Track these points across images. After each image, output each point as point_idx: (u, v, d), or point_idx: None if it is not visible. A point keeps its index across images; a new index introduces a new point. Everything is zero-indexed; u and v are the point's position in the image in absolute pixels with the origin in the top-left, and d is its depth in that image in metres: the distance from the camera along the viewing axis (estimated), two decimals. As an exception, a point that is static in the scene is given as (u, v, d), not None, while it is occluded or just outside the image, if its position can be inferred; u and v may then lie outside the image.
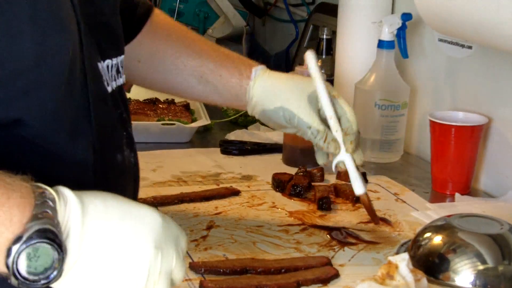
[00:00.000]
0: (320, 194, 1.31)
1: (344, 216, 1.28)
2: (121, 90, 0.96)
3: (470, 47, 1.49)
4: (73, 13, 0.81)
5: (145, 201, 1.29)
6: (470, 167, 1.41)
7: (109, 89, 0.91)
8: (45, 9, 0.76)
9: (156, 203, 1.29)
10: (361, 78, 1.60)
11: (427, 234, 1.04)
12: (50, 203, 0.67)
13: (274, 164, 1.54)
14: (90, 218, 0.69)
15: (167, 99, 1.84)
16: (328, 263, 1.09)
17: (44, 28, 0.76)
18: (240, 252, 1.12)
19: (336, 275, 1.05)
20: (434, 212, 1.28)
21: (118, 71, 0.95)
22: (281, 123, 1.15)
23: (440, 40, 1.56)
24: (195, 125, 1.69)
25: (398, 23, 1.56)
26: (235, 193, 1.36)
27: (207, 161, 1.55)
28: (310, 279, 1.03)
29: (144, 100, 1.83)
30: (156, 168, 1.49)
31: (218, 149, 1.61)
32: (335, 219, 1.26)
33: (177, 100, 1.83)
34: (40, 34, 0.76)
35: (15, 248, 0.65)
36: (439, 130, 1.40)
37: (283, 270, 1.06)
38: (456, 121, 1.40)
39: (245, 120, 1.83)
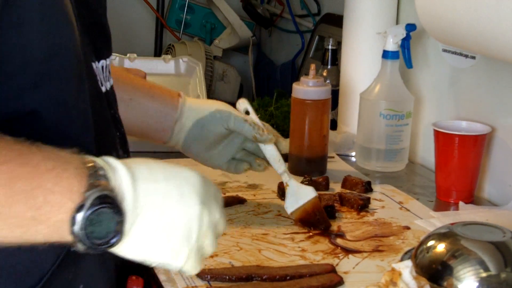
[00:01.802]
0: (325, 203, 1.32)
1: (349, 224, 1.29)
2: (113, 91, 0.98)
3: (473, 57, 1.50)
4: (71, 11, 0.82)
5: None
6: (473, 176, 1.42)
7: (103, 89, 0.92)
8: (53, 4, 0.78)
9: (163, 211, 1.30)
10: (366, 88, 1.62)
11: (431, 242, 1.04)
12: (102, 172, 0.72)
13: (280, 173, 1.55)
14: (139, 183, 0.73)
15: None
16: (332, 270, 1.10)
17: (52, 22, 0.78)
18: (245, 260, 1.14)
19: (341, 282, 1.07)
20: (437, 220, 1.29)
21: (109, 72, 0.96)
22: (216, 129, 1.26)
23: (444, 50, 1.58)
24: (201, 134, 1.69)
25: (402, 33, 1.57)
26: (241, 201, 1.38)
27: (214, 170, 1.55)
28: (314, 286, 1.04)
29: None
30: (163, 177, 1.50)
31: (224, 159, 1.62)
32: (340, 227, 1.27)
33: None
34: (49, 27, 0.77)
35: (79, 216, 0.69)
36: (443, 140, 1.41)
37: (288, 278, 1.07)
38: (460, 131, 1.41)
39: (251, 129, 1.84)
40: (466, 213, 1.34)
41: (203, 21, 2.64)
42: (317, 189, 1.42)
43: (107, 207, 0.70)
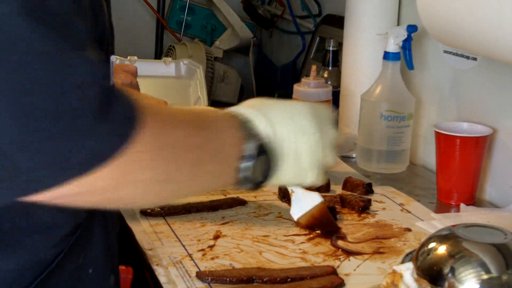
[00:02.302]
0: (326, 205, 1.32)
1: (350, 226, 1.29)
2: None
3: (475, 59, 1.50)
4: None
5: (152, 212, 1.30)
6: (475, 178, 1.42)
7: (111, 83, 0.93)
8: None
9: (163, 213, 1.30)
10: (367, 90, 1.61)
11: (432, 244, 1.04)
12: (248, 123, 0.86)
13: (281, 174, 1.55)
14: (276, 126, 0.88)
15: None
16: (333, 272, 1.10)
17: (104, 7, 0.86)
18: (246, 262, 1.13)
19: (342, 285, 1.06)
20: (439, 222, 1.29)
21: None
22: None
23: (445, 51, 1.58)
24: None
25: (403, 34, 1.57)
26: (242, 203, 1.38)
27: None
28: (315, 288, 1.04)
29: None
30: (164, 179, 1.50)
31: (225, 160, 1.62)
32: (341, 229, 1.27)
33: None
34: (108, 12, 0.87)
35: (246, 165, 0.84)
36: (444, 141, 1.41)
37: (288, 280, 1.07)
38: (461, 132, 1.41)
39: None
40: (467, 215, 1.34)
41: (204, 22, 2.64)
42: (318, 190, 1.42)
43: (263, 154, 0.85)
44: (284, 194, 1.40)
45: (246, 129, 0.85)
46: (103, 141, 0.69)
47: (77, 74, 0.67)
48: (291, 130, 0.89)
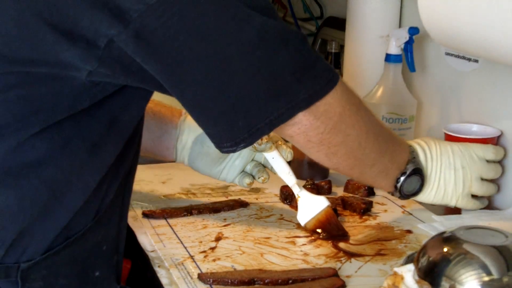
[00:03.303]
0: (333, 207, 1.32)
1: (351, 228, 1.29)
2: None
3: (476, 61, 1.50)
4: None
5: (154, 213, 1.31)
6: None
7: None
8: None
9: (165, 215, 1.31)
10: (368, 92, 1.62)
11: (433, 246, 1.04)
12: (414, 152, 1.21)
13: (282, 176, 1.55)
14: (430, 161, 1.24)
15: (176, 112, 1.86)
16: (335, 274, 1.10)
17: None
18: (248, 263, 1.14)
19: (343, 286, 1.07)
20: (440, 224, 1.29)
21: None
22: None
23: (447, 54, 1.58)
24: (204, 138, 1.70)
25: (405, 37, 1.57)
26: (244, 205, 1.38)
27: (216, 174, 1.56)
28: (317, 290, 1.05)
29: (154, 113, 1.85)
30: (166, 181, 1.51)
31: (227, 162, 1.62)
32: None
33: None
34: None
35: (401, 179, 1.18)
36: (453, 143, 1.41)
37: (290, 281, 1.07)
38: (470, 134, 1.41)
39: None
40: (468, 217, 1.34)
41: (206, 25, 2.64)
42: (319, 193, 1.42)
43: (417, 175, 1.20)
44: (286, 196, 1.41)
45: (411, 154, 1.18)
46: (321, 78, 0.94)
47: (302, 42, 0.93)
48: (441, 164, 1.24)
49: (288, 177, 1.31)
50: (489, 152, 1.29)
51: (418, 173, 1.20)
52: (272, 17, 0.90)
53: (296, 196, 1.29)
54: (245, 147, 0.93)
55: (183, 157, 1.35)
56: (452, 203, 1.27)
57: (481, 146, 1.29)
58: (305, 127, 0.97)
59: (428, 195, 1.25)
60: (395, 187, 1.18)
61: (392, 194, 1.21)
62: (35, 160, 0.91)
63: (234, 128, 0.91)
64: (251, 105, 0.91)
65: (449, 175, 1.25)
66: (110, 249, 1.05)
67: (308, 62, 0.93)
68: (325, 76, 0.95)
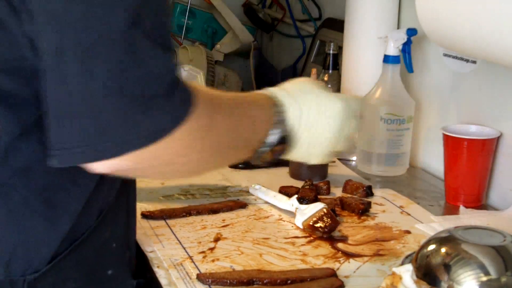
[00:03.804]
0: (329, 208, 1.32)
1: (350, 228, 1.29)
2: None
3: (474, 62, 1.50)
4: None
5: (153, 214, 1.31)
6: (482, 180, 1.42)
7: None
8: None
9: (164, 215, 1.31)
10: (367, 93, 1.62)
11: (431, 246, 1.05)
12: (281, 112, 0.99)
13: (281, 177, 1.56)
14: (303, 119, 1.01)
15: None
16: (333, 274, 1.10)
17: None
18: (246, 264, 1.14)
19: (341, 286, 1.07)
20: (438, 224, 1.30)
21: None
22: None
23: (445, 55, 1.58)
24: (203, 139, 1.70)
25: (403, 38, 1.58)
26: (242, 206, 1.38)
27: (215, 175, 1.57)
28: (315, 290, 1.05)
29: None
30: (164, 181, 1.51)
31: (226, 163, 1.63)
32: (341, 231, 1.28)
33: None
34: None
35: (265, 149, 0.97)
36: (451, 143, 1.42)
37: (289, 282, 1.07)
38: (469, 135, 1.42)
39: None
40: (467, 217, 1.35)
41: (205, 26, 2.65)
42: (318, 193, 1.43)
43: (284, 141, 0.99)
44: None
45: (276, 116, 0.98)
46: (167, 116, 0.82)
47: (157, 67, 0.81)
48: (316, 123, 1.02)
49: (276, 200, 1.37)
50: (359, 105, 1.15)
51: (286, 141, 1.01)
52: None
53: (294, 210, 1.31)
54: (56, 164, 0.82)
55: None
56: (312, 162, 1.07)
57: (356, 100, 1.13)
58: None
59: (293, 154, 1.04)
60: (255, 157, 1.00)
61: (254, 162, 1.03)
62: (23, 167, 0.88)
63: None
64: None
65: (324, 138, 1.04)
66: (121, 246, 1.03)
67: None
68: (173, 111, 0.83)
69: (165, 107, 0.82)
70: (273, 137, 0.98)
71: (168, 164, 0.87)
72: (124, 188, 1.03)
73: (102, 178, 0.95)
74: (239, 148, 0.96)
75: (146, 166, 0.85)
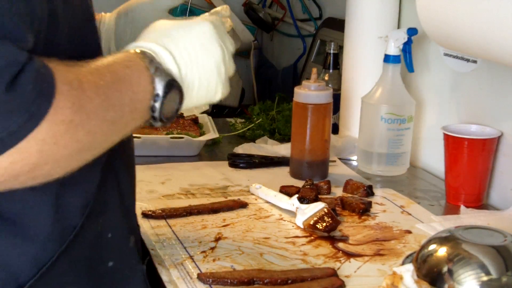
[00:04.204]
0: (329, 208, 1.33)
1: (351, 228, 1.29)
2: None
3: (475, 61, 1.50)
4: None
5: (154, 214, 1.31)
6: (482, 180, 1.43)
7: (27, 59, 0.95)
8: None
9: (165, 215, 1.31)
10: (367, 92, 1.62)
11: (432, 246, 1.05)
12: (154, 60, 0.87)
13: (281, 177, 1.56)
14: (178, 59, 0.90)
15: (175, 113, 1.86)
16: (334, 274, 1.10)
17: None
18: (247, 264, 1.14)
19: (342, 286, 1.07)
20: (439, 224, 1.30)
21: None
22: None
23: (445, 54, 1.58)
24: (203, 138, 1.71)
25: (404, 37, 1.58)
26: (243, 205, 1.38)
27: (215, 174, 1.57)
28: (316, 290, 1.05)
29: (153, 114, 1.86)
30: (165, 181, 1.51)
31: (226, 162, 1.63)
32: (341, 231, 1.28)
33: (185, 114, 1.85)
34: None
35: (157, 104, 0.86)
36: (452, 143, 1.42)
37: (289, 281, 1.07)
38: (469, 134, 1.42)
39: (253, 134, 1.85)
40: (467, 217, 1.35)
41: (205, 25, 2.65)
42: (319, 193, 1.43)
43: (174, 90, 0.88)
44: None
45: (151, 68, 0.86)
46: (14, 116, 0.70)
47: None
48: (194, 55, 0.93)
49: (277, 199, 1.37)
50: (226, 18, 1.08)
51: (173, 86, 0.89)
52: None
53: (295, 209, 1.31)
54: None
55: (109, 39, 1.23)
56: (218, 96, 0.99)
57: (219, 16, 1.06)
58: None
59: (190, 99, 0.94)
60: (153, 117, 0.88)
61: (152, 125, 0.91)
62: None
63: None
64: None
65: (209, 64, 0.96)
66: (119, 234, 0.97)
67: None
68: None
69: (10, 106, 0.69)
70: (159, 86, 0.86)
71: (34, 169, 0.74)
72: (110, 170, 0.95)
73: (71, 177, 0.83)
74: (124, 117, 0.83)
75: (8, 178, 0.73)
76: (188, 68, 0.92)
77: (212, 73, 0.95)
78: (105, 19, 1.24)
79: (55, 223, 0.87)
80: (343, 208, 1.38)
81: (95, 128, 0.78)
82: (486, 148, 1.41)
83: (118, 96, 0.82)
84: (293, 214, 1.32)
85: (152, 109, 0.86)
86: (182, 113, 1.86)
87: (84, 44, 0.91)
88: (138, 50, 0.88)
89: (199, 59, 0.93)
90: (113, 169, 0.97)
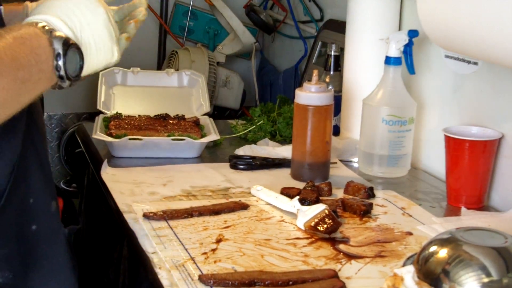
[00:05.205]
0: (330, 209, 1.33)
1: (352, 230, 1.29)
2: None
3: (476, 63, 1.50)
4: None
5: (155, 215, 1.31)
6: (483, 181, 1.43)
7: None
8: None
9: (166, 217, 1.31)
10: (368, 94, 1.62)
11: (433, 247, 1.05)
12: (48, 27, 0.95)
13: (283, 178, 1.56)
14: (70, 23, 0.99)
15: (177, 115, 1.87)
16: (335, 275, 1.10)
17: None
18: (248, 265, 1.14)
19: (343, 288, 1.07)
20: (440, 226, 1.30)
21: None
22: None
23: (447, 56, 1.58)
24: (204, 140, 1.71)
25: (405, 39, 1.58)
26: (244, 207, 1.38)
27: (217, 176, 1.57)
28: (317, 291, 1.05)
29: (155, 116, 1.86)
30: (166, 183, 1.51)
31: (227, 164, 1.63)
32: (342, 233, 1.28)
33: (187, 116, 1.86)
34: None
35: (60, 62, 0.94)
36: (453, 145, 1.42)
37: (290, 283, 1.07)
38: (470, 136, 1.42)
39: (254, 135, 1.85)
40: (468, 218, 1.35)
41: (206, 27, 2.65)
42: (320, 194, 1.43)
43: (70, 47, 0.96)
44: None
45: (47, 32, 0.95)
46: None
47: None
48: (83, 18, 1.01)
49: (278, 201, 1.37)
50: None
51: (71, 44, 0.97)
52: None
53: (296, 211, 1.31)
54: None
55: None
56: (115, 57, 1.06)
57: None
58: None
59: (90, 60, 1.02)
60: (60, 76, 0.96)
61: (61, 87, 0.99)
62: None
63: None
64: None
65: (98, 24, 1.03)
66: (40, 199, 1.04)
67: None
68: None
69: None
70: (57, 45, 0.94)
71: None
72: (31, 145, 1.03)
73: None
74: (33, 77, 0.91)
75: None
76: (82, 29, 1.00)
77: (103, 33, 1.03)
78: (27, 8, 1.26)
79: None
80: (344, 210, 1.38)
81: (8, 85, 0.87)
82: (487, 150, 1.41)
83: (24, 56, 0.90)
84: (294, 215, 1.32)
85: (57, 68, 0.94)
86: (183, 115, 1.86)
87: None
88: (34, 22, 0.96)
89: (88, 19, 1.01)
90: (32, 140, 1.04)
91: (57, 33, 0.95)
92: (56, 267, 1.07)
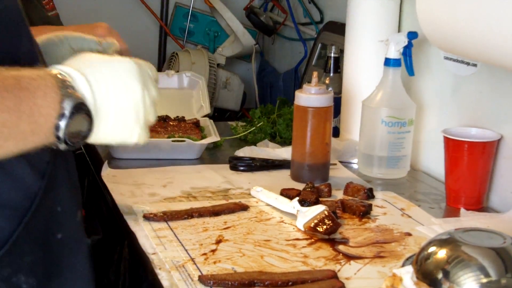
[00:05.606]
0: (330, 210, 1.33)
1: (351, 230, 1.30)
2: None
3: (475, 65, 1.51)
4: None
5: (155, 216, 1.32)
6: (482, 182, 1.43)
7: None
8: None
9: (166, 218, 1.31)
10: (368, 96, 1.63)
11: (432, 248, 1.05)
12: (66, 82, 0.87)
13: (282, 180, 1.56)
14: (94, 85, 0.90)
15: (177, 116, 1.87)
16: (334, 276, 1.11)
17: None
18: (248, 266, 1.14)
19: (342, 288, 1.07)
20: (439, 226, 1.30)
21: None
22: (65, 51, 1.26)
23: (446, 58, 1.59)
24: (205, 141, 1.71)
25: (404, 41, 1.58)
26: (244, 208, 1.39)
27: (217, 177, 1.57)
28: (316, 292, 1.05)
29: (155, 117, 1.87)
30: (167, 184, 1.52)
31: (227, 165, 1.64)
32: (342, 233, 1.28)
33: (187, 117, 1.86)
34: None
35: (62, 123, 0.86)
36: (452, 146, 1.42)
37: (290, 283, 1.08)
38: (469, 137, 1.42)
39: (254, 137, 1.86)
40: (467, 219, 1.35)
41: (207, 29, 2.66)
42: (319, 195, 1.43)
43: (82, 113, 0.87)
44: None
45: (63, 88, 0.86)
46: None
47: None
48: (112, 88, 0.92)
49: (278, 202, 1.38)
50: (155, 71, 1.04)
51: (82, 109, 0.89)
52: None
53: (296, 212, 1.31)
54: None
55: None
56: (133, 138, 0.97)
57: (146, 63, 1.02)
58: None
59: (103, 132, 0.93)
60: (57, 137, 0.87)
61: (57, 147, 0.90)
62: None
63: None
64: None
65: (127, 101, 0.94)
66: (67, 208, 1.02)
67: None
68: None
69: None
70: (67, 106, 0.86)
71: None
72: (59, 153, 0.96)
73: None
74: (21, 125, 0.83)
75: None
76: (104, 99, 0.91)
77: (129, 112, 0.94)
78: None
79: (21, 195, 0.93)
80: (343, 211, 1.38)
81: None
82: (486, 151, 1.42)
83: (16, 102, 0.82)
84: (294, 216, 1.33)
85: (57, 127, 0.86)
86: (184, 117, 1.87)
87: (14, 46, 0.93)
88: (54, 71, 0.88)
89: (117, 92, 0.92)
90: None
91: (73, 93, 0.87)
92: (77, 276, 1.04)
